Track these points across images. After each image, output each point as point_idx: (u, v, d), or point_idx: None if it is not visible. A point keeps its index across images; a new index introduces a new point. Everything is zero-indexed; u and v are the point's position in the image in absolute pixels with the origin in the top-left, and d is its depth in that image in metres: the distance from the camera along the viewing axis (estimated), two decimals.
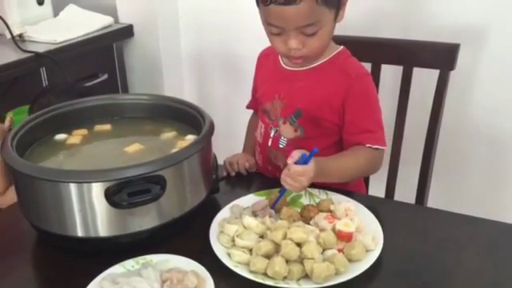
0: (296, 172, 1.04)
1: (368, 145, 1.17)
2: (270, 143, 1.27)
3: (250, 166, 1.28)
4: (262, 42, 1.30)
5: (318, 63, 1.21)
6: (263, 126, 1.29)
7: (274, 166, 1.28)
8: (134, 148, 1.10)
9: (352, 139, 1.19)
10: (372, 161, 1.19)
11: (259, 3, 1.11)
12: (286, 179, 1.06)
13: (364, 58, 1.26)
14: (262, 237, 0.99)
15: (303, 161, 1.04)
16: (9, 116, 1.58)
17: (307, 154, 1.05)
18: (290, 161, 1.05)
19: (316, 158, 1.06)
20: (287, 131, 1.23)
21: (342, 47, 1.24)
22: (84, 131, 1.18)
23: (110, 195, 0.92)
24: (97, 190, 0.92)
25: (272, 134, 1.26)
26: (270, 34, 1.14)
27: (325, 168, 1.10)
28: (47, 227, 0.98)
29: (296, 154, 1.05)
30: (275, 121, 1.25)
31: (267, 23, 1.12)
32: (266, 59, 1.32)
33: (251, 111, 1.43)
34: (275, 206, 1.08)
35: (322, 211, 1.05)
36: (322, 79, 1.20)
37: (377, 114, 1.20)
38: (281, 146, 1.25)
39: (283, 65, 1.25)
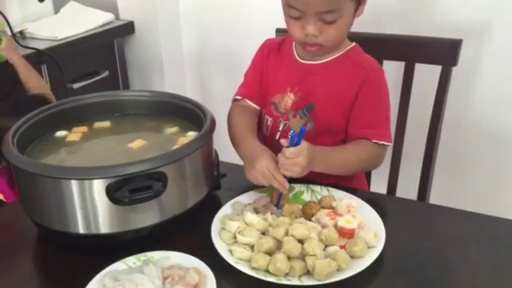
0: (291, 154, 1.03)
1: (374, 140, 1.16)
2: (278, 137, 1.26)
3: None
4: (264, 38, 1.30)
5: (333, 57, 1.20)
6: (271, 118, 1.27)
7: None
8: (137, 144, 1.10)
9: (357, 133, 1.18)
10: (375, 156, 1.19)
11: None
12: (284, 167, 1.05)
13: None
14: (263, 233, 0.98)
15: (294, 143, 1.04)
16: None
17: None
18: (284, 146, 1.04)
19: (315, 146, 1.06)
20: (297, 125, 1.22)
21: (354, 43, 1.24)
22: (84, 128, 1.18)
23: (111, 192, 0.92)
24: (98, 186, 0.92)
25: (281, 128, 1.25)
26: (289, 18, 1.13)
27: (324, 155, 1.09)
28: (48, 224, 0.98)
29: (287, 140, 1.05)
30: (285, 114, 1.24)
31: (288, 5, 1.11)
32: (273, 50, 1.29)
33: None
34: (279, 204, 1.07)
35: (323, 208, 1.05)
36: (337, 73, 1.19)
37: (386, 110, 1.20)
38: None
39: (297, 58, 1.24)
